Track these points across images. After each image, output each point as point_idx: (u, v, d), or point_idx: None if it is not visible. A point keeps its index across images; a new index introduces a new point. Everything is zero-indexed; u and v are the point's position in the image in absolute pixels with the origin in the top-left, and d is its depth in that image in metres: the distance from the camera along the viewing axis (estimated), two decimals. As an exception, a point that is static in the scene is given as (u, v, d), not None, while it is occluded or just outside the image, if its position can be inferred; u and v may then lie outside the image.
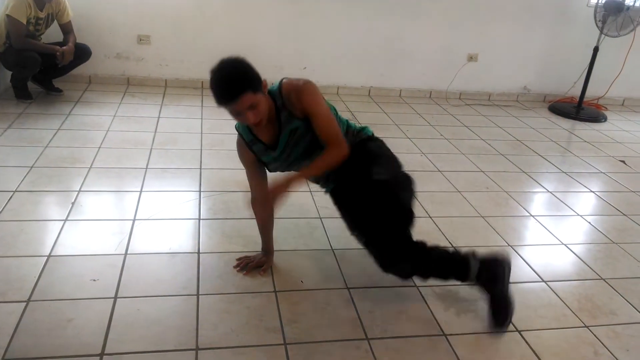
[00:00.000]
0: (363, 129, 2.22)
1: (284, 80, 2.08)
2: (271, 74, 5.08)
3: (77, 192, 2.76)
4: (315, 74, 4.93)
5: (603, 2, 4.70)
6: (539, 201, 3.26)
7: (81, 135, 3.50)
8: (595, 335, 2.09)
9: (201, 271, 2.22)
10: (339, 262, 2.38)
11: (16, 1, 3.62)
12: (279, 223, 2.32)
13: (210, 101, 4.42)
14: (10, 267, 2.14)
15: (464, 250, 2.14)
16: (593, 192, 3.44)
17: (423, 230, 2.71)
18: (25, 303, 1.95)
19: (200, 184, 2.98)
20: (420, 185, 3.18)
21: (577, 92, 5.17)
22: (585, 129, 4.73)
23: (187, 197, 2.84)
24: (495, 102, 5.26)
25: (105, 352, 1.77)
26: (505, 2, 4.98)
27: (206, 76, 5.01)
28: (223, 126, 3.89)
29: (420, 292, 2.24)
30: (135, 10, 4.43)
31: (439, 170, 3.48)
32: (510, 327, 2.08)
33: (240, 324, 1.96)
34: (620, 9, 4.62)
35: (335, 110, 2.13)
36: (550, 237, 2.81)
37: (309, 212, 2.79)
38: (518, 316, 2.14)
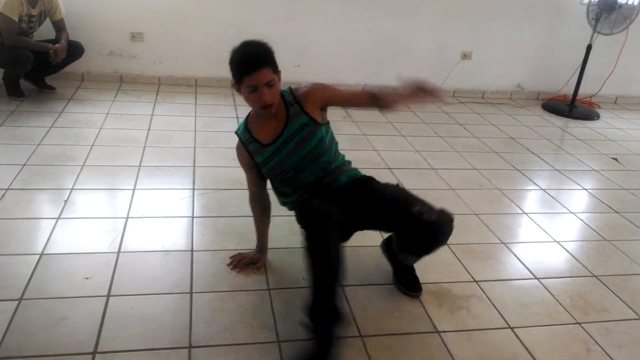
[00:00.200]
0: (350, 163, 2.21)
1: (291, 87, 2.10)
2: (265, 71, 5.05)
3: (69, 190, 2.75)
4: (310, 71, 4.92)
5: (596, 0, 4.72)
6: (532, 199, 3.27)
7: (74, 133, 3.49)
8: (587, 332, 2.10)
9: (194, 269, 2.22)
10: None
11: (8, -2, 3.60)
12: (273, 220, 2.31)
13: (204, 99, 4.46)
14: (3, 265, 2.13)
15: None
16: (586, 189, 3.45)
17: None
18: (18, 301, 1.94)
19: (193, 182, 2.97)
20: (414, 183, 3.21)
21: (570, 90, 5.19)
22: (578, 127, 4.75)
23: (180, 194, 2.83)
24: (489, 100, 5.28)
25: (98, 350, 1.76)
26: (499, 0, 4.99)
27: (200, 74, 5.01)
28: (217, 124, 3.89)
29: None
30: (129, 7, 4.41)
31: (433, 168, 3.49)
32: (503, 324, 2.09)
33: (233, 321, 1.95)
34: (613, 7, 4.64)
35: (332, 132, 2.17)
36: (543, 235, 2.83)
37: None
38: (510, 313, 2.16)
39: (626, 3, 4.66)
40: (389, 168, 3.40)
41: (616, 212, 3.16)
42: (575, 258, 2.63)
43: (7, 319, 1.85)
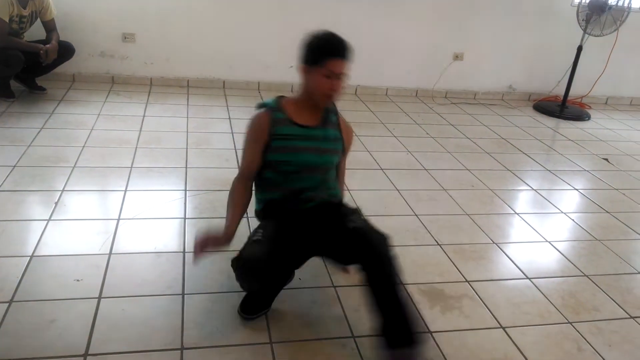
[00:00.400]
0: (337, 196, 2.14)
1: None
2: (257, 71, 5.11)
3: (60, 192, 2.73)
4: (302, 72, 4.92)
5: (587, 1, 4.75)
6: (523, 199, 3.28)
7: (65, 134, 3.47)
8: (578, 331, 2.11)
9: (186, 270, 2.21)
10: (325, 261, 2.38)
11: (-2, -2, 3.57)
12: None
13: (196, 100, 4.45)
14: (-8, 267, 2.11)
15: None
16: (577, 189, 3.47)
17: (409, 228, 2.72)
18: (8, 304, 1.92)
19: (185, 183, 2.96)
20: (406, 184, 3.22)
21: (561, 90, 5.23)
22: (569, 128, 4.78)
23: (172, 196, 2.82)
24: (481, 101, 5.30)
25: (89, 352, 1.75)
26: (490, 1, 5.02)
27: (192, 74, 4.97)
28: (209, 125, 3.88)
29: (407, 290, 2.24)
30: (120, 8, 4.39)
31: (425, 169, 3.49)
32: (495, 323, 2.10)
33: (226, 323, 1.95)
34: (603, 8, 4.67)
35: None
36: (535, 235, 2.84)
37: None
38: (502, 313, 2.16)
39: (616, 5, 4.70)
40: (382, 169, 3.40)
41: (607, 212, 3.18)
42: (566, 258, 2.64)
43: (-3, 321, 1.84)
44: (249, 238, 1.90)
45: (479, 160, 3.77)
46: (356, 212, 2.04)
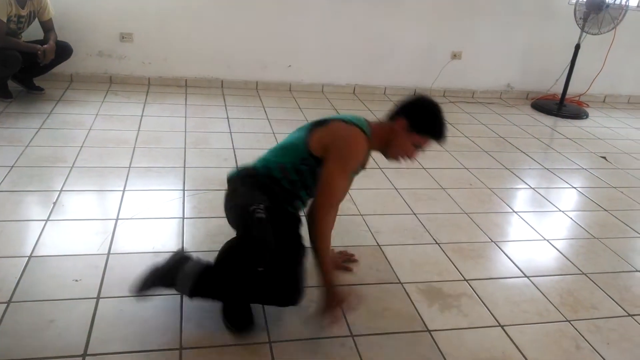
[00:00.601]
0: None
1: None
2: (256, 71, 5.11)
3: (58, 192, 2.73)
4: (300, 72, 4.93)
5: (584, 0, 4.75)
6: (521, 197, 3.29)
7: (63, 134, 3.47)
8: (576, 330, 2.11)
9: (185, 270, 2.21)
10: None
11: (-4, -1, 3.57)
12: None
13: (194, 99, 4.45)
14: (-9, 268, 2.11)
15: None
16: (575, 188, 3.48)
17: (408, 227, 2.73)
18: (6, 304, 1.92)
19: (184, 183, 2.96)
20: (405, 182, 3.22)
21: (559, 89, 5.23)
22: (567, 126, 4.78)
23: (170, 196, 2.82)
24: (479, 100, 5.30)
25: (88, 352, 1.75)
26: (489, 0, 5.02)
27: (190, 74, 4.98)
28: (207, 124, 3.88)
29: (405, 289, 2.25)
30: (118, 8, 4.38)
31: (423, 168, 3.50)
32: (494, 322, 2.10)
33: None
34: (600, 7, 4.68)
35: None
36: (533, 233, 2.84)
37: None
38: (501, 311, 2.17)
39: (613, 3, 4.70)
40: (380, 168, 3.40)
41: (605, 210, 3.19)
42: (564, 256, 2.65)
43: (-4, 322, 1.84)
44: (253, 212, 1.81)
45: (477, 158, 3.77)
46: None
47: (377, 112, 4.57)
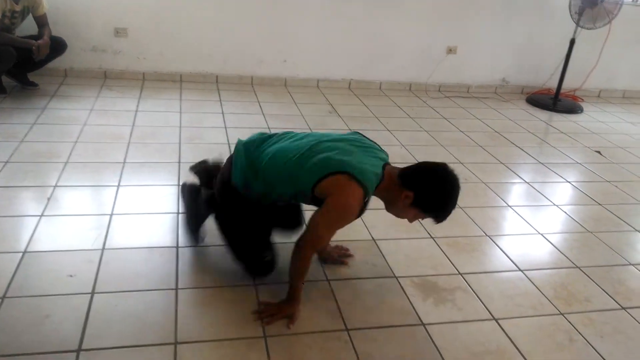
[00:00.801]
0: None
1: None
2: (251, 66, 5.09)
3: (53, 187, 2.72)
4: (296, 67, 4.92)
5: (579, -6, 4.76)
6: (516, 192, 3.30)
7: (57, 129, 3.45)
8: (570, 323, 2.13)
9: (180, 265, 2.21)
10: (318, 255, 2.38)
11: (-11, -6, 3.55)
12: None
13: (189, 94, 4.44)
14: (-15, 263, 2.11)
15: None
16: (569, 182, 3.49)
17: (403, 222, 2.72)
18: (1, 300, 1.92)
19: (179, 178, 2.95)
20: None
21: (554, 84, 5.24)
22: (562, 121, 4.79)
23: (165, 191, 2.82)
24: (474, 95, 5.31)
25: (83, 347, 1.75)
26: (483, -6, 5.02)
27: (184, 69, 4.96)
28: (202, 120, 3.87)
29: (400, 283, 2.26)
30: (112, 2, 4.36)
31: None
32: (488, 315, 2.11)
33: (219, 317, 1.95)
34: (595, 1, 4.68)
35: None
36: (528, 227, 2.85)
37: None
38: (495, 305, 2.18)
39: (609, -3, 4.71)
40: (375, 162, 3.40)
41: (599, 204, 3.20)
42: (558, 250, 2.66)
43: (-10, 317, 1.83)
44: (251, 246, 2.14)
45: (472, 153, 3.78)
46: None
47: (372, 107, 4.58)
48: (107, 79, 4.55)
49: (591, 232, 2.86)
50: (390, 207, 2.01)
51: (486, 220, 2.86)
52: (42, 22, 3.95)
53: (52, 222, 2.44)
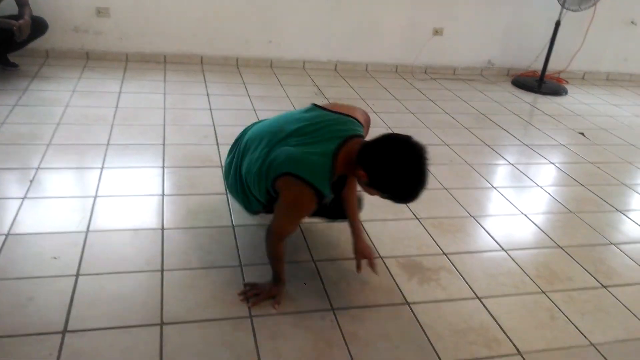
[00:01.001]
0: None
1: (345, 110, 1.98)
2: (236, 47, 5.03)
3: (35, 170, 2.69)
4: (281, 48, 4.88)
5: (565, -24, 4.76)
6: (501, 173, 3.32)
7: (39, 111, 3.40)
8: (552, 301, 2.16)
9: (165, 247, 2.21)
10: (305, 236, 2.39)
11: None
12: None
13: (173, 76, 4.39)
14: (-33, 246, 2.09)
15: None
16: (553, 163, 3.52)
17: (388, 203, 2.73)
18: (-17, 282, 1.91)
19: (163, 160, 2.93)
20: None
21: (539, 66, 5.26)
22: (546, 102, 4.82)
23: (150, 173, 2.80)
24: (460, 77, 5.31)
25: (68, 329, 1.75)
26: (469, -25, 5.00)
27: (168, 50, 4.88)
28: (186, 101, 3.83)
29: (385, 263, 2.27)
30: (93, -18, 4.28)
31: (404, 144, 3.50)
32: (471, 294, 2.14)
33: (205, 298, 1.96)
34: (581, -17, 4.69)
35: None
36: (511, 208, 2.88)
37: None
38: (478, 284, 2.21)
39: (594, -21, 4.71)
40: (361, 144, 3.40)
41: (582, 185, 3.24)
42: (542, 230, 2.69)
43: (-27, 300, 1.82)
44: None
45: (457, 135, 3.80)
46: None
47: (358, 88, 4.56)
48: (89, 59, 4.48)
49: (574, 213, 2.90)
50: (358, 184, 1.93)
51: (471, 201, 2.88)
52: (22, 1, 3.85)
53: (35, 204, 2.41)
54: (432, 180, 3.05)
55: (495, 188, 3.08)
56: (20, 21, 3.72)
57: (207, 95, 3.99)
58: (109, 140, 3.08)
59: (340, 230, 2.43)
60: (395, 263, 2.28)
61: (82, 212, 2.37)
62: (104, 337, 1.74)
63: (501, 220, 2.76)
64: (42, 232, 2.22)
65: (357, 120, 1.97)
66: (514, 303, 2.13)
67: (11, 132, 3.06)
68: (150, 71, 4.38)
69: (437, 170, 3.19)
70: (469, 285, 2.19)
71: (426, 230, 2.55)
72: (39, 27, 3.94)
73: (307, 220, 2.29)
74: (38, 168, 2.71)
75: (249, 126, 2.24)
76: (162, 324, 1.82)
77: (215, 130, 3.37)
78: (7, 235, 2.17)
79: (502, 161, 3.47)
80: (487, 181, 3.15)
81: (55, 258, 2.06)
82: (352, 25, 4.92)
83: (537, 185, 3.19)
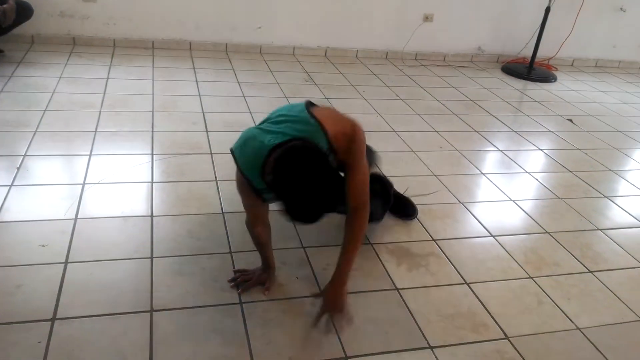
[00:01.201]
0: None
1: (322, 118, 1.76)
2: (225, 33, 4.99)
3: (22, 157, 2.67)
4: (270, 34, 4.84)
5: (555, -38, 4.75)
6: (490, 160, 3.34)
7: (25, 97, 3.36)
8: (539, 286, 2.19)
9: (155, 234, 2.20)
10: (294, 224, 2.39)
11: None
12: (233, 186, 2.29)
13: (162, 62, 4.35)
14: (-47, 234, 2.07)
15: None
16: (541, 150, 3.54)
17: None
18: (-29, 270, 1.89)
19: (152, 147, 2.92)
20: (376, 146, 3.22)
21: (529, 52, 5.26)
22: (535, 89, 4.84)
23: (139, 160, 2.78)
24: (450, 63, 5.31)
25: (57, 316, 1.74)
26: (460, -39, 4.98)
27: (157, 35, 4.83)
28: (175, 87, 3.80)
29: (374, 249, 2.29)
30: (79, -34, 4.21)
31: (394, 131, 3.51)
32: (460, 279, 2.16)
33: (195, 285, 1.96)
34: (571, -31, 4.68)
35: None
36: (500, 194, 2.90)
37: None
38: (467, 269, 2.23)
39: (584, -35, 4.71)
40: (351, 131, 3.40)
41: (570, 171, 3.27)
42: (530, 216, 2.71)
43: (-39, 288, 1.81)
44: None
45: (447, 122, 3.80)
46: None
47: (348, 75, 4.55)
48: (76, 45, 4.42)
49: (561, 199, 2.92)
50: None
51: (460, 188, 2.90)
52: (6, -15, 3.80)
53: (22, 192, 2.39)
54: (422, 166, 3.08)
55: (484, 174, 3.10)
56: (5, 6, 3.66)
57: (196, 81, 3.96)
58: (96, 127, 3.06)
59: (329, 217, 2.43)
60: (384, 249, 2.29)
61: (71, 200, 2.36)
62: (93, 325, 1.73)
63: (490, 207, 2.78)
64: (29, 220, 2.20)
65: (324, 131, 1.73)
66: (502, 288, 2.15)
67: (-3, 118, 3.03)
68: (138, 57, 4.34)
69: (426, 157, 3.20)
70: (457, 271, 2.21)
71: (415, 217, 2.56)
72: (24, 11, 3.88)
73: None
74: (25, 155, 2.69)
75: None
76: (152, 310, 1.82)
77: (204, 116, 3.35)
78: (-6, 223, 2.15)
79: (491, 148, 3.49)
80: (476, 167, 3.17)
81: (43, 246, 2.05)
82: (342, 11, 4.89)
83: (526, 171, 3.21)
